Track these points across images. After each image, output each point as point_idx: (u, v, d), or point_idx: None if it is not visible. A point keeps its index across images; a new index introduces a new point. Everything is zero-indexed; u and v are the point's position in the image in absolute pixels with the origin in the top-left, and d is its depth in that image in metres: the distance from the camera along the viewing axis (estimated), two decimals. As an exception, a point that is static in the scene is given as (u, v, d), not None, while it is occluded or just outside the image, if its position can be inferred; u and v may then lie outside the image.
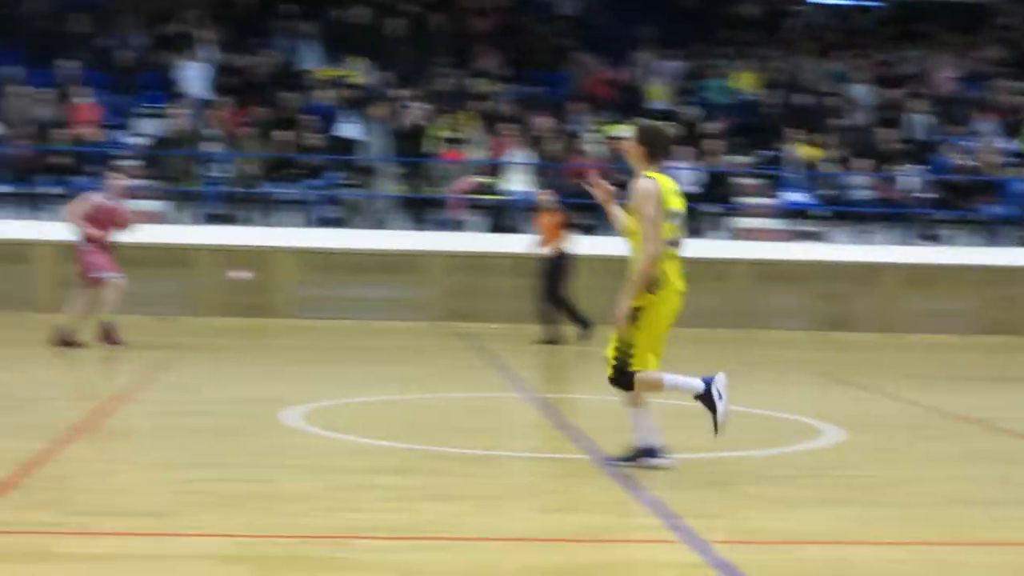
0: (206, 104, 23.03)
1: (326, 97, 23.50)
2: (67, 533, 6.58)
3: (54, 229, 20.05)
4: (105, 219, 15.54)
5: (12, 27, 24.53)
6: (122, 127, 23.01)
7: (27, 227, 20.18)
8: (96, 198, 15.66)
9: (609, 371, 8.44)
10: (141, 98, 23.64)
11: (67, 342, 15.34)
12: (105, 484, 7.95)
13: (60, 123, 22.02)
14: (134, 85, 23.62)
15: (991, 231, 23.09)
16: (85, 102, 22.41)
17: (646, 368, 8.36)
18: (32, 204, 20.94)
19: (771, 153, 23.77)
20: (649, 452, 8.61)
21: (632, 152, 8.52)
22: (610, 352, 8.45)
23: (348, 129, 22.89)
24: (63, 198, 21.31)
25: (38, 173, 20.78)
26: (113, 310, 15.71)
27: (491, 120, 23.31)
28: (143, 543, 6.44)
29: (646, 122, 8.88)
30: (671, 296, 8.41)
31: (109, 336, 15.62)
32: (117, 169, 16.33)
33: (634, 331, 8.33)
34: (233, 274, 20.66)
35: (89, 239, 15.48)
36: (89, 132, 21.95)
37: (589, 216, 20.58)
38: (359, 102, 23.40)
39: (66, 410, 10.96)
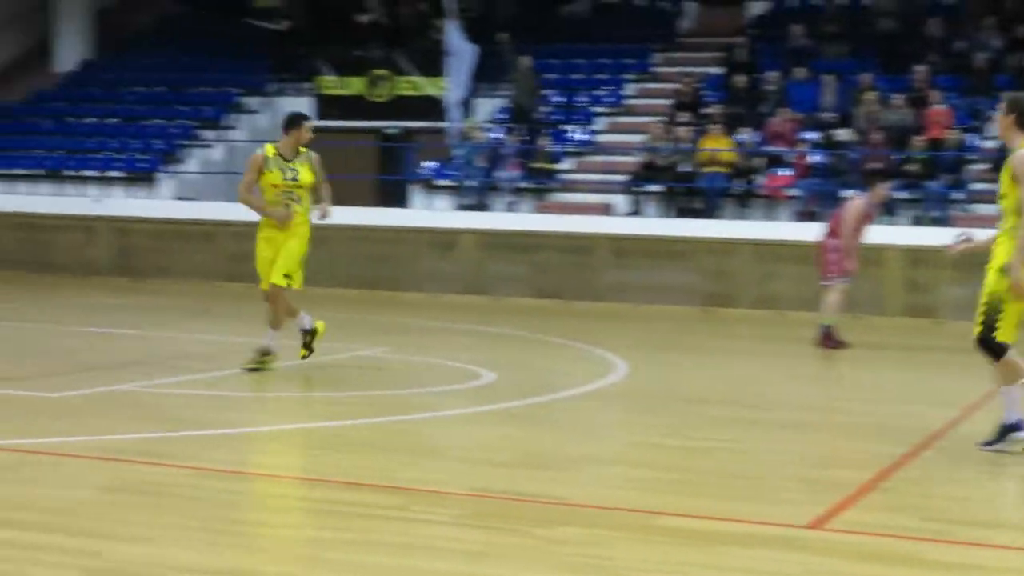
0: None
1: None
2: (933, 540, 6.69)
3: (905, 234, 20.33)
4: (863, 224, 15.72)
5: (865, 33, 25.15)
6: (975, 131, 22.84)
7: (879, 231, 20.56)
8: (863, 203, 15.83)
9: (977, 330, 8.62)
10: (995, 100, 23.31)
11: (833, 342, 15.66)
12: (964, 492, 7.98)
13: (914, 128, 22.25)
14: (989, 88, 23.36)
15: None
16: (939, 107, 22.48)
17: (1008, 340, 8.57)
18: (885, 209, 21.29)
19: None
20: (1015, 427, 8.72)
21: (1003, 124, 8.56)
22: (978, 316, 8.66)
23: None
24: (914, 203, 21.55)
25: (892, 178, 21.12)
26: (836, 314, 15.76)
27: None
28: (1010, 557, 6.41)
29: (1016, 94, 8.76)
30: None
31: (827, 339, 15.69)
32: (884, 178, 16.51)
33: (1006, 296, 8.50)
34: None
35: (837, 241, 15.64)
36: (943, 136, 22.01)
37: None
38: None
39: (921, 415, 11.09)
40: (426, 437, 9.67)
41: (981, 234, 9.28)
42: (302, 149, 11.99)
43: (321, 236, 23.08)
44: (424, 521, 6.86)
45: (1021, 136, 8.57)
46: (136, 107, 27.98)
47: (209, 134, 26.75)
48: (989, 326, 8.64)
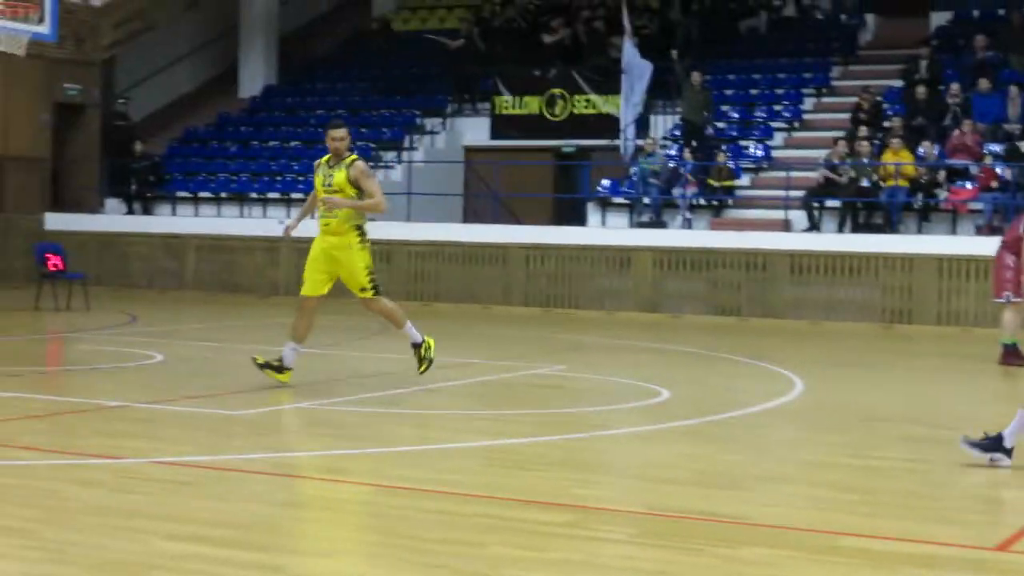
0: None
1: None
2: None
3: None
4: None
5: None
6: None
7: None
8: None
9: None
10: None
11: (1019, 360, 15.29)
12: None
13: None
14: None
15: None
16: None
17: None
18: None
19: None
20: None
21: None
22: None
23: None
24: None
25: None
26: (1016, 331, 15.38)
27: None
28: None
29: None
30: None
31: (1011, 356, 15.34)
32: None
33: None
34: None
35: (1013, 257, 15.18)
36: None
37: None
38: None
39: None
40: (602, 454, 9.66)
41: None
42: (352, 157, 11.95)
43: (498, 255, 23.42)
44: (601, 539, 6.85)
45: None
46: (318, 130, 28.51)
47: (389, 155, 27.14)
48: None
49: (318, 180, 11.92)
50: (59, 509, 7.24)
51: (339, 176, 11.81)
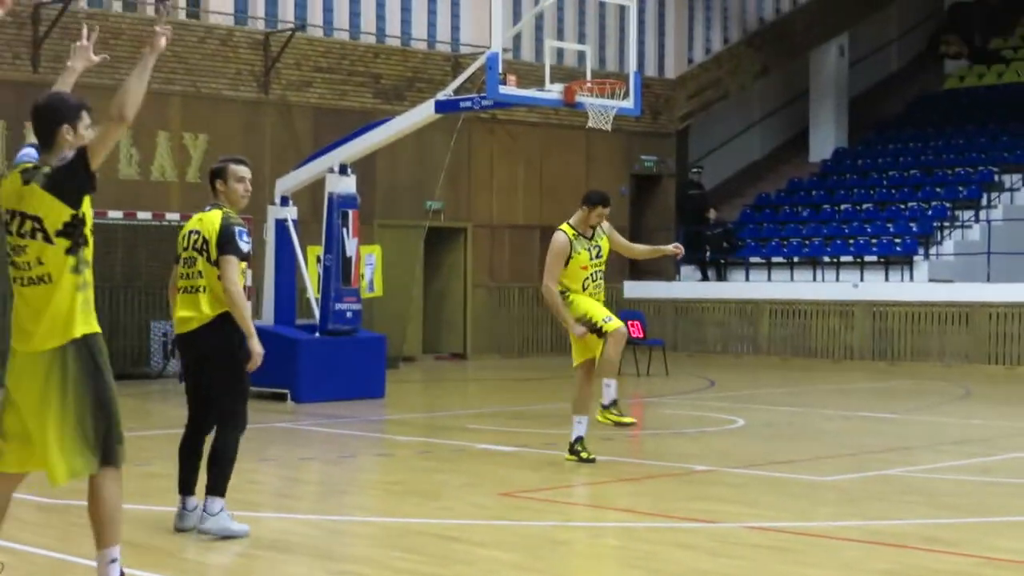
0: None
1: None
2: None
3: None
4: None
5: None
6: None
7: None
8: None
9: None
10: None
11: None
12: None
13: None
14: None
15: None
16: None
17: None
18: None
19: None
20: None
21: None
22: None
23: None
24: None
25: None
26: None
27: None
28: None
29: None
30: None
31: None
32: None
33: None
34: None
35: None
36: None
37: None
38: None
39: None
40: None
41: None
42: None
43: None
44: None
45: None
46: (890, 191, 28.13)
47: (967, 214, 26.34)
48: None
49: (583, 258, 10.95)
50: (661, 571, 7.43)
51: (606, 244, 11.18)
